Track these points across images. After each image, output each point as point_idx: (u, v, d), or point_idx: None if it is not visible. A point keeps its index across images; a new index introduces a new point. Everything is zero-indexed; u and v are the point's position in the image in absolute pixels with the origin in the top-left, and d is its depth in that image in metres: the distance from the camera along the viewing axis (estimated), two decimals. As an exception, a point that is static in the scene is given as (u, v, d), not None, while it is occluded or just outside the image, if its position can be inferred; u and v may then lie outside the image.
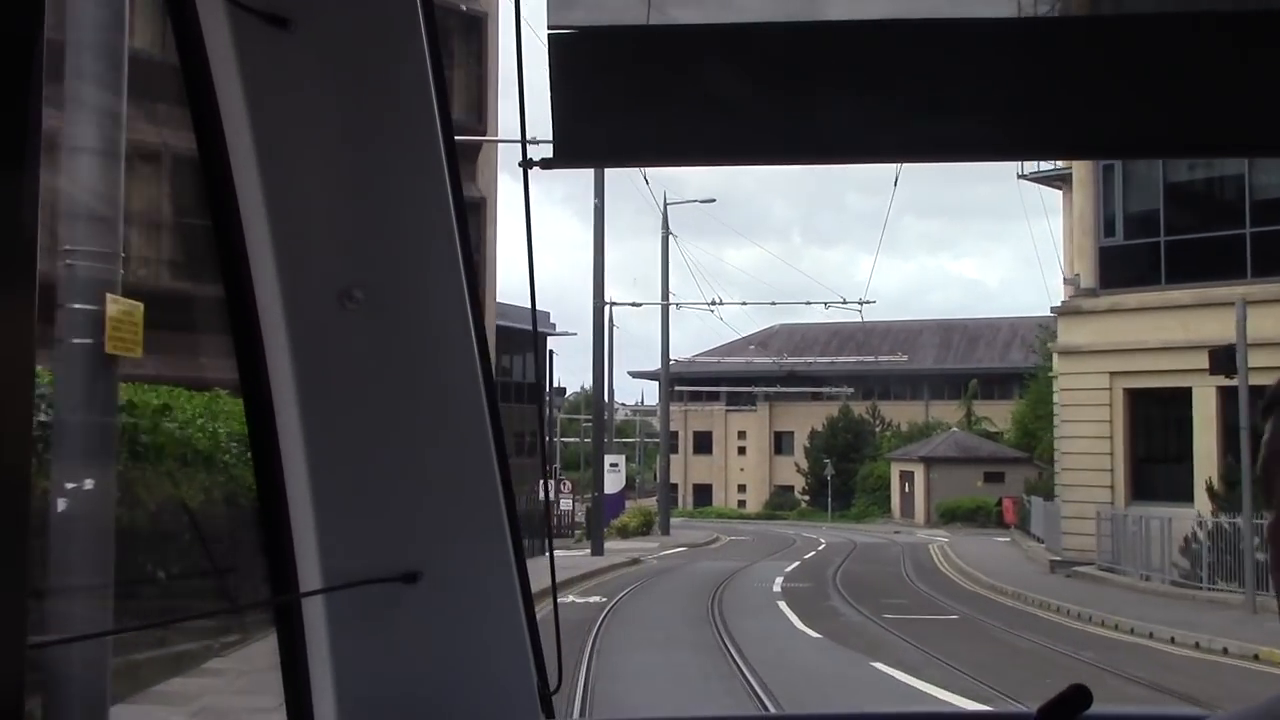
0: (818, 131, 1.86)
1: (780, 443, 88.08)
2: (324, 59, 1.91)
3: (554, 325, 77.42)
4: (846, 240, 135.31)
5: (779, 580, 30.65)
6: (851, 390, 76.04)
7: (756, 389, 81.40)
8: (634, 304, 46.04)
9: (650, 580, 30.60)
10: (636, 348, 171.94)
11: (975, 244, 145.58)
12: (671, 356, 55.95)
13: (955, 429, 72.05)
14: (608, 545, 42.75)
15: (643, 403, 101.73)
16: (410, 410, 2.09)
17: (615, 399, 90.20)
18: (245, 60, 1.89)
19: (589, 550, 40.52)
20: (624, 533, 51.53)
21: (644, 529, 53.58)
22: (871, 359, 57.07)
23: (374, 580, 2.08)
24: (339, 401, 2.06)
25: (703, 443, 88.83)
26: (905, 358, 57.34)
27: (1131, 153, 3.30)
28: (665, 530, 53.62)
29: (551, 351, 76.81)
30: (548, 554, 2.45)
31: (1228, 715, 1.24)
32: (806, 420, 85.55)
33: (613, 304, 41.86)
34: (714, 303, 41.84)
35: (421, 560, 2.12)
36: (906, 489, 70.83)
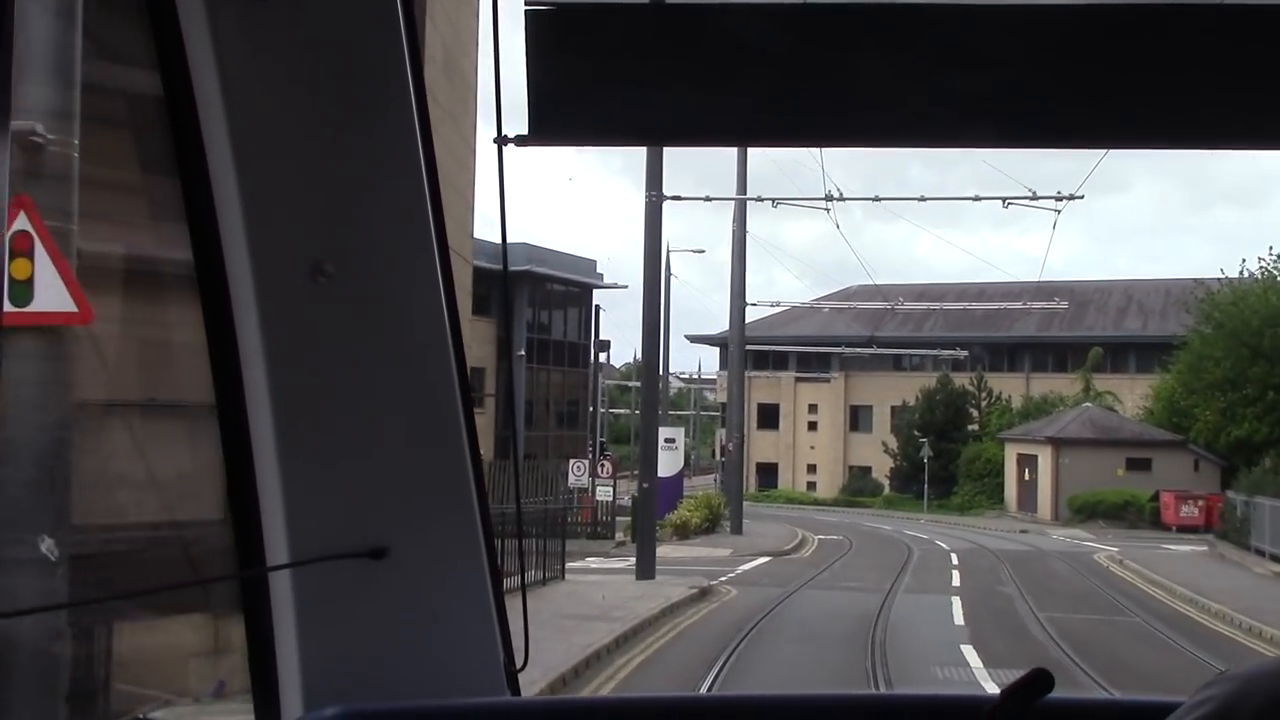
0: (802, 112, 1.82)
1: (857, 418, 74.37)
2: (299, 33, 1.88)
3: (600, 276, 64.57)
4: (909, 214, 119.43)
5: (975, 662, 16.24)
6: (965, 353, 61.18)
7: (835, 348, 66.65)
8: (705, 199, 30.69)
9: (737, 657, 16.34)
10: (694, 317, 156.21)
11: (1040, 219, 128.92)
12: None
13: (1089, 404, 57.13)
14: (661, 551, 28.69)
15: (700, 372, 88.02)
16: (380, 387, 2.03)
17: (669, 369, 77.17)
18: (219, 33, 1.85)
19: (633, 563, 26.19)
20: (683, 532, 37.36)
21: (708, 525, 39.39)
22: (1019, 304, 42.11)
23: (341, 556, 2.02)
24: (308, 376, 2.01)
25: (768, 416, 74.89)
26: (1064, 304, 42.47)
27: (1180, 143, 2.04)
28: (737, 527, 39.34)
29: (598, 307, 64.27)
30: (518, 541, 3.03)
31: (1227, 690, 1.23)
32: (888, 393, 71.94)
33: (672, 199, 27.30)
34: (830, 197, 27.22)
35: (389, 537, 2.05)
36: (1027, 476, 56.10)
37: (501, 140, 1.83)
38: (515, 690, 2.17)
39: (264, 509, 2.01)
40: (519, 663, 2.17)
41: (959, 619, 20.44)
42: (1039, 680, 1.73)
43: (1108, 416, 55.73)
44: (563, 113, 1.78)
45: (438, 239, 1.99)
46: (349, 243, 1.95)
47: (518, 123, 1.81)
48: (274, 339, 1.95)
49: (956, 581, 27.35)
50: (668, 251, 59.07)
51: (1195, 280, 54.01)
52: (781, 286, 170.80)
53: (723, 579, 26.23)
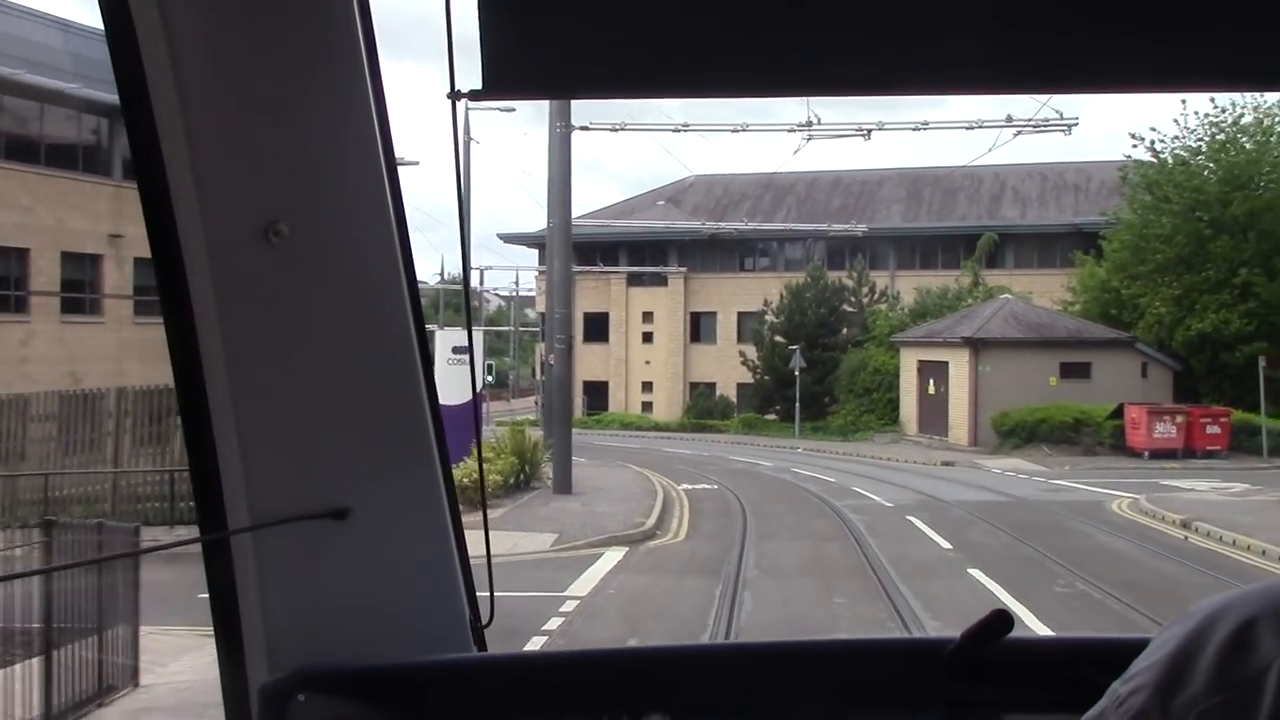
0: (766, 62, 1.70)
1: (699, 327, 60.39)
2: None
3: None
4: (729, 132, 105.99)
5: None
6: (864, 228, 47.00)
7: (698, 225, 52.25)
8: None
9: None
10: (509, 218, 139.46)
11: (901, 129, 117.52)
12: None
13: (1009, 295, 43.83)
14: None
15: (518, 286, 72.40)
16: (337, 345, 1.95)
17: (482, 286, 61.55)
18: None
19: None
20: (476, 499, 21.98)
21: (519, 480, 24.20)
22: (1013, 125, 27.54)
23: (303, 517, 1.93)
24: (265, 338, 1.92)
25: (596, 327, 60.34)
26: (1076, 120, 27.58)
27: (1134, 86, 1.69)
28: (564, 484, 24.12)
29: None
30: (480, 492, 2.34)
31: (1214, 602, 1.04)
32: (734, 297, 58.44)
33: None
34: None
35: (351, 497, 1.96)
36: (932, 389, 42.57)
37: (454, 95, 1.72)
38: (482, 647, 2.08)
39: (223, 472, 1.93)
40: (485, 619, 2.09)
41: None
42: (998, 621, 1.72)
43: (1034, 311, 42.48)
44: (520, 65, 1.67)
45: (392, 196, 1.90)
46: (303, 201, 1.85)
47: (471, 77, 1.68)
48: (227, 299, 1.86)
49: (1029, 620, 12.81)
50: (467, 109, 43.07)
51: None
52: (605, 200, 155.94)
53: (537, 645, 11.14)
